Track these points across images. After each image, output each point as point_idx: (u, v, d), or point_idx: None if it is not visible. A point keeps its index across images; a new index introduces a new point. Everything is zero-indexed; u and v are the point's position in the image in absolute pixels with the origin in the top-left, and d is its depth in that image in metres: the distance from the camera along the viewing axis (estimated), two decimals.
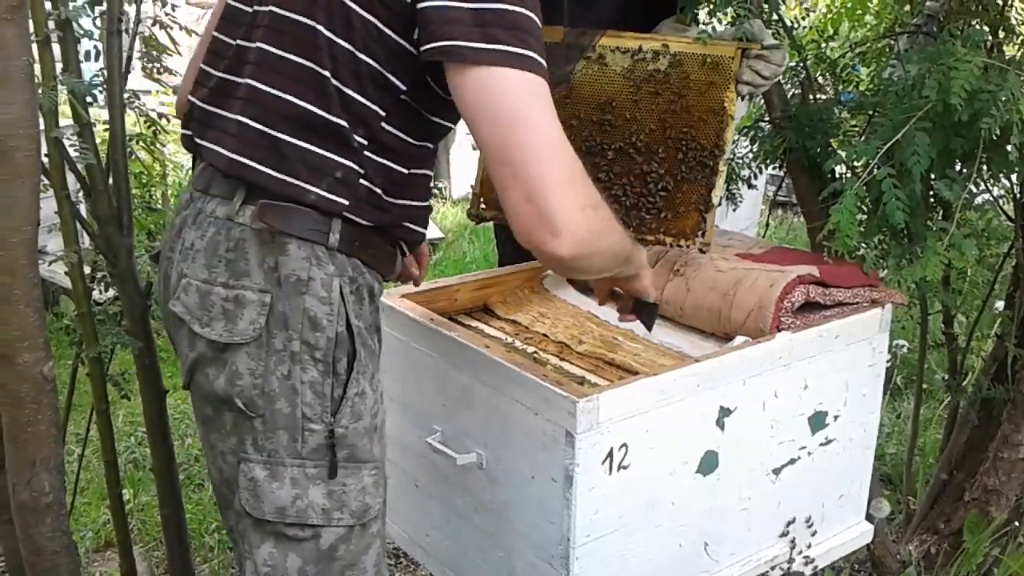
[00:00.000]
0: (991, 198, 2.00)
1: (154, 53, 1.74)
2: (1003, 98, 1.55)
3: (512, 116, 1.13)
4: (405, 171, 1.31)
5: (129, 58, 1.75)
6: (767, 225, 2.53)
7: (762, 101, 2.06)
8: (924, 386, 2.70)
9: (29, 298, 1.46)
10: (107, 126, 1.79)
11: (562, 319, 1.80)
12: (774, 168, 2.16)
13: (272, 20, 1.26)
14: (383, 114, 1.25)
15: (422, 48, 1.17)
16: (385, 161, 1.28)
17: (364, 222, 1.27)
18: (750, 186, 2.24)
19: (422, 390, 1.66)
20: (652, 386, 1.43)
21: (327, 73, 1.21)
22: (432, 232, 5.63)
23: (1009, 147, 1.55)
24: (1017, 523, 2.28)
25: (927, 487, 2.61)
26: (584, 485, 1.39)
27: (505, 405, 1.48)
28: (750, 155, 2.11)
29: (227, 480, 1.33)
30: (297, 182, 1.23)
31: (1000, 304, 2.57)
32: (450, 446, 1.60)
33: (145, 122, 1.86)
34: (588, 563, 1.43)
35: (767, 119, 2.09)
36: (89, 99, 1.76)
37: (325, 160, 1.23)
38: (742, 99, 1.75)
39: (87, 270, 1.81)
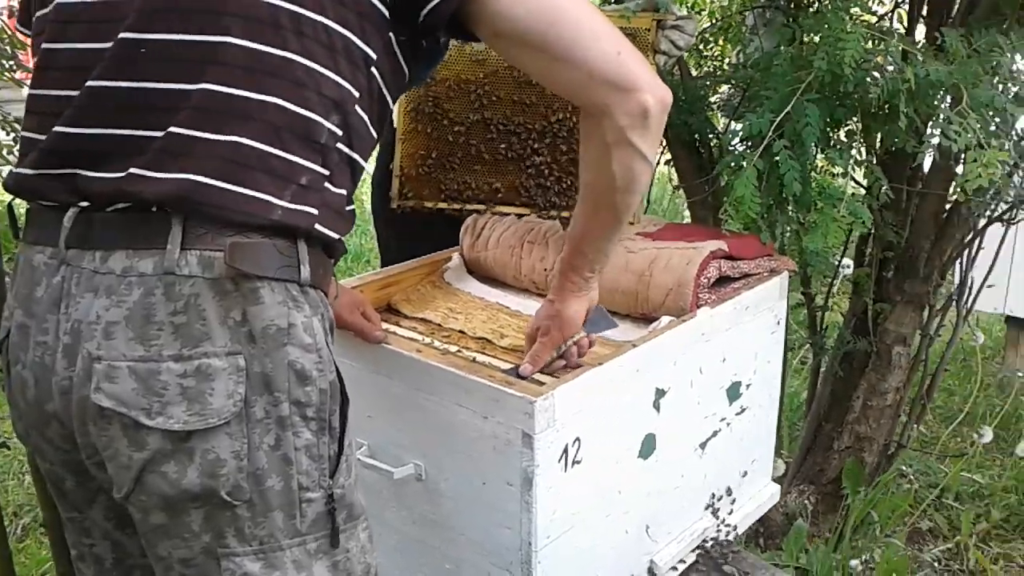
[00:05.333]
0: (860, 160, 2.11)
1: (7, 49, 1.48)
2: (891, 67, 1.62)
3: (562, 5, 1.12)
4: (364, 165, 1.17)
5: None
6: (648, 200, 2.58)
7: None
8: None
9: None
10: None
11: (475, 313, 1.73)
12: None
13: (175, 1, 1.04)
14: (356, 94, 1.10)
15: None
16: (353, 154, 1.13)
17: (331, 234, 1.12)
18: None
19: None
20: (600, 376, 1.40)
21: (293, 55, 1.04)
22: None
23: (900, 114, 1.63)
24: (901, 467, 2.43)
25: (795, 441, 2.75)
26: (544, 486, 1.34)
27: (446, 412, 1.41)
28: None
29: None
30: (260, 195, 1.04)
31: (848, 262, 2.73)
32: (382, 460, 1.50)
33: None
34: (549, 565, 1.39)
35: None
36: None
37: (289, 165, 1.06)
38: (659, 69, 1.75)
39: None
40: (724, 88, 2.30)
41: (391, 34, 1.12)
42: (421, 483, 1.48)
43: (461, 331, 1.67)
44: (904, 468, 2.70)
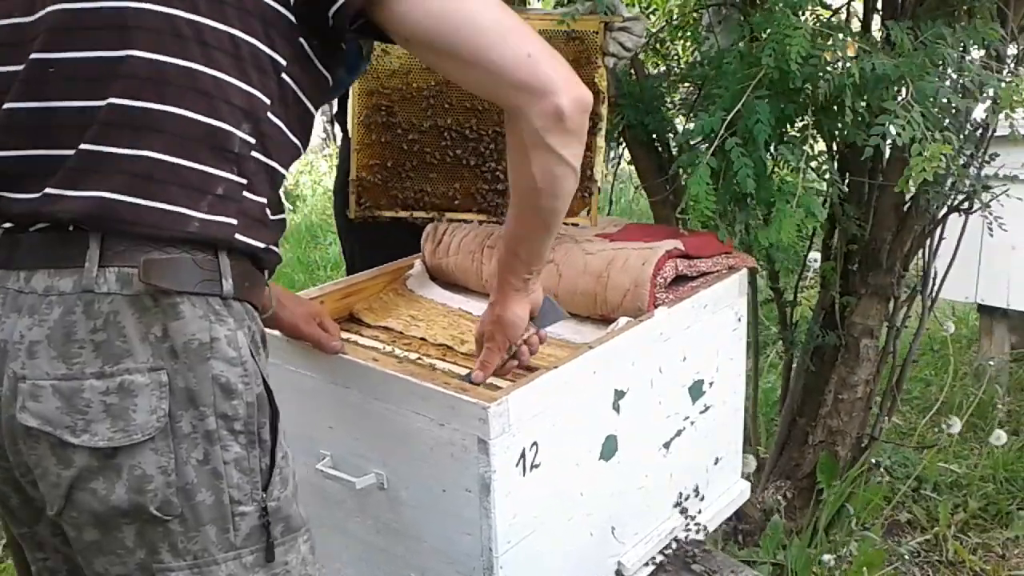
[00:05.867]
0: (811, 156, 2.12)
1: None
2: (836, 63, 1.64)
3: (466, 8, 1.09)
4: (284, 175, 1.17)
5: None
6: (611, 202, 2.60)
7: None
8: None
9: None
10: None
11: (436, 320, 1.74)
12: (617, 146, 2.19)
13: (78, 19, 1.04)
14: (268, 101, 1.10)
15: (336, 6, 1.08)
16: (271, 162, 1.13)
17: (254, 243, 1.12)
18: None
19: (304, 415, 1.54)
20: (556, 379, 1.40)
21: (197, 65, 1.04)
22: None
23: (846, 109, 1.64)
24: (873, 459, 2.44)
25: (771, 436, 2.76)
26: (501, 491, 1.34)
27: (403, 420, 1.41)
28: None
29: None
30: (175, 208, 1.04)
31: (815, 255, 2.74)
32: (343, 470, 1.50)
33: None
34: (511, 570, 1.39)
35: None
36: None
37: (203, 176, 1.06)
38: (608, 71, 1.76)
39: None
40: (685, 87, 2.31)
41: (301, 40, 1.12)
42: (383, 492, 1.48)
43: (423, 338, 1.68)
44: (881, 460, 2.71)
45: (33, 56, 1.05)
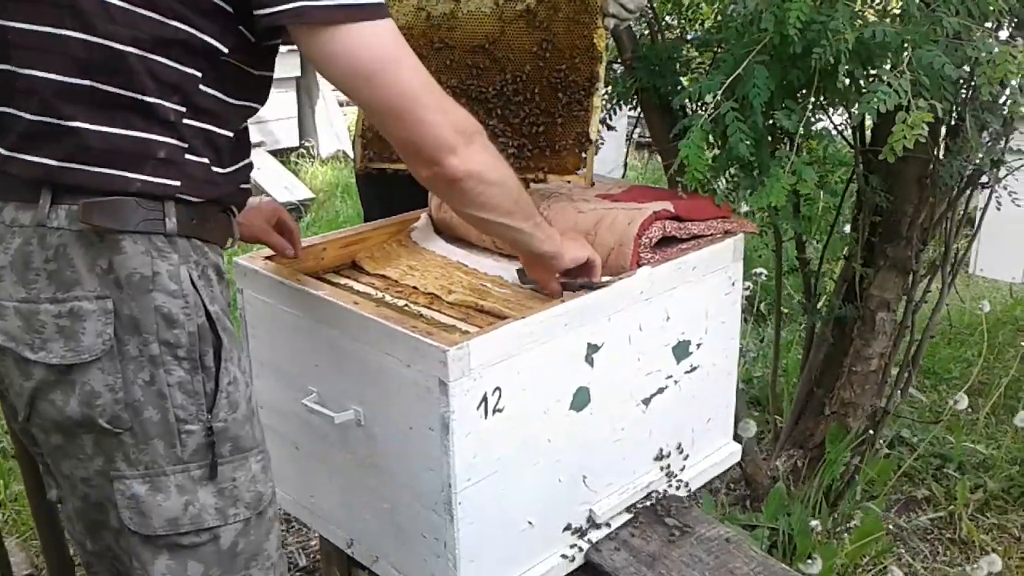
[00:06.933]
0: (832, 126, 2.10)
1: None
2: (833, 28, 1.63)
3: (380, 67, 1.17)
4: (229, 135, 1.24)
5: None
6: (625, 165, 2.61)
7: (613, 42, 2.10)
8: (783, 310, 2.84)
9: None
10: None
11: (431, 270, 1.81)
12: (632, 109, 2.21)
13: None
14: (199, 75, 1.17)
15: (260, 12, 1.13)
16: (206, 126, 1.20)
17: (198, 200, 1.20)
18: (609, 128, 2.28)
19: (294, 352, 1.64)
20: (520, 329, 1.46)
21: (123, 45, 1.11)
22: (302, 193, 5.51)
23: (838, 76, 1.63)
24: (872, 431, 2.44)
25: (791, 405, 2.76)
26: (460, 431, 1.41)
27: (378, 360, 1.49)
28: (605, 96, 2.14)
29: (96, 504, 1.25)
30: (115, 172, 1.14)
31: (848, 228, 2.71)
32: (327, 405, 1.60)
33: None
34: (470, 506, 1.47)
35: (619, 60, 2.13)
36: None
37: (141, 142, 1.15)
38: (609, 32, 1.79)
39: None
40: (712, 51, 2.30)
41: (241, 27, 1.18)
42: (360, 428, 1.57)
43: (414, 287, 1.75)
44: (904, 435, 2.68)
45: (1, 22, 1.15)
